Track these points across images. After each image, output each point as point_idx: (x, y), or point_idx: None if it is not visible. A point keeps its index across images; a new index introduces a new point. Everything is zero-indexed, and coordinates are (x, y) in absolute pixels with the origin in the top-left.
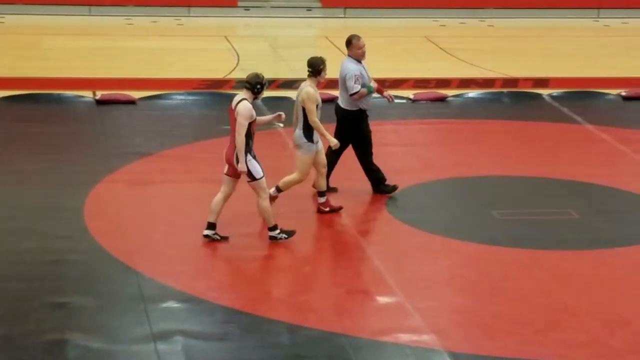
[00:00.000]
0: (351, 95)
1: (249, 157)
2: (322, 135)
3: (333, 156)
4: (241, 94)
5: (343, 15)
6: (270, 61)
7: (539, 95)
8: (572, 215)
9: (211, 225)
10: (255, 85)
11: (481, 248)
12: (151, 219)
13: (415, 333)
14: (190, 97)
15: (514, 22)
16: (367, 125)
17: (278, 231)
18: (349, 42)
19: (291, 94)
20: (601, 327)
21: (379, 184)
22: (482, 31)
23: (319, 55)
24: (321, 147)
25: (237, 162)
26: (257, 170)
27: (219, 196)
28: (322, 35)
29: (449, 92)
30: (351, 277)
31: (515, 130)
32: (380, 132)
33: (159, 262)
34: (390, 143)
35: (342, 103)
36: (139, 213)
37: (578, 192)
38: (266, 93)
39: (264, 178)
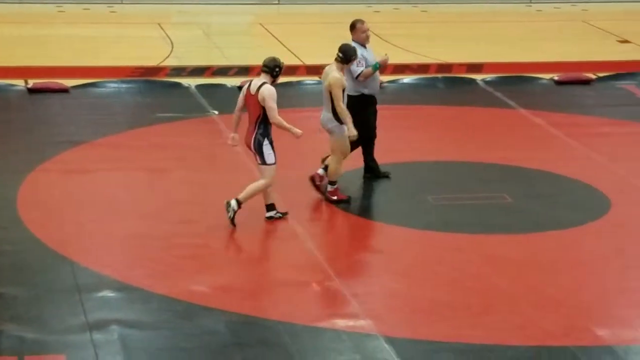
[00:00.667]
0: (356, 77)
1: (267, 141)
2: (345, 122)
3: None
4: (259, 78)
5: (277, 2)
6: (204, 48)
7: (473, 81)
8: (506, 200)
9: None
10: (273, 68)
11: (417, 233)
12: (86, 208)
13: (351, 319)
14: (124, 85)
15: (448, 8)
16: (371, 111)
17: (274, 213)
18: (352, 26)
19: (225, 81)
20: (535, 310)
21: (374, 171)
22: (416, 17)
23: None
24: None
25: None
26: (270, 155)
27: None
28: (257, 22)
29: (384, 78)
30: (288, 264)
31: (450, 116)
32: (316, 119)
33: (93, 252)
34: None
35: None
36: (73, 202)
37: (512, 176)
38: (200, 80)
39: (274, 166)
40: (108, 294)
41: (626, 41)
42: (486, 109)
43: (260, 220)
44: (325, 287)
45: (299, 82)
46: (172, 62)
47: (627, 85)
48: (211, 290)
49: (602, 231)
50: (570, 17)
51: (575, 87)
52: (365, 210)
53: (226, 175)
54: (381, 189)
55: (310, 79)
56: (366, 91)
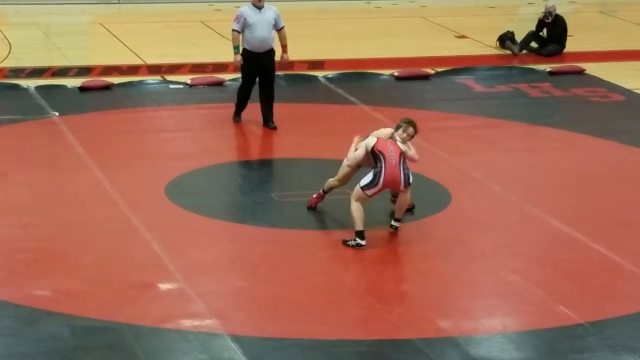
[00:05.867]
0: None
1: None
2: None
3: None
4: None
5: (117, 2)
6: (43, 49)
7: (315, 78)
8: (349, 195)
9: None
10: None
11: (261, 230)
12: None
13: (197, 318)
14: None
15: (290, 6)
16: (256, 65)
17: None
18: None
19: (66, 81)
20: (379, 304)
21: (268, 121)
22: None
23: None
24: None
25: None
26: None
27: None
28: (97, 21)
29: (226, 76)
30: (131, 265)
31: (292, 113)
32: (157, 118)
33: None
34: (168, 129)
35: None
36: None
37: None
38: (40, 81)
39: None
40: None
41: (463, 36)
42: (329, 105)
43: (101, 222)
44: (170, 288)
45: (140, 82)
46: (10, 63)
47: (464, 79)
48: (55, 294)
49: (444, 224)
50: (409, 14)
51: (414, 83)
52: (209, 209)
53: (68, 177)
54: (225, 187)
55: (151, 79)
56: (247, 46)
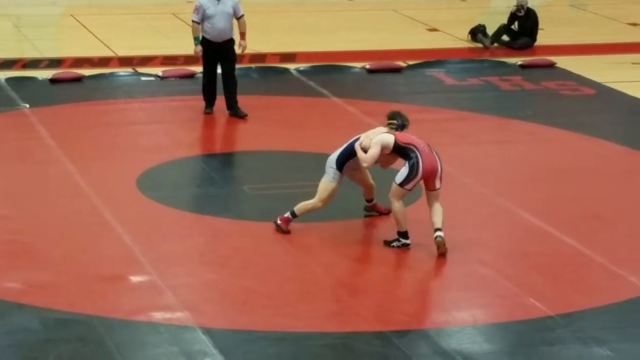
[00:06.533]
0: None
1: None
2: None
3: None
4: None
5: None
6: (14, 41)
7: (287, 70)
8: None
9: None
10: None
11: (233, 223)
12: None
13: (168, 311)
14: None
15: None
16: (215, 54)
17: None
18: None
19: (37, 73)
20: (350, 297)
21: (233, 109)
22: None
23: None
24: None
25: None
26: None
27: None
28: (68, 13)
29: (198, 69)
30: (102, 258)
31: (264, 105)
32: (128, 111)
33: None
34: (139, 121)
35: None
36: None
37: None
38: (10, 73)
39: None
40: None
41: (434, 29)
42: (300, 98)
43: (72, 214)
44: (141, 280)
45: (112, 74)
46: None
47: (436, 72)
48: (25, 287)
49: (414, 217)
50: (381, 7)
51: (386, 75)
52: (180, 202)
53: (39, 170)
54: (197, 180)
55: (123, 71)
56: (207, 36)
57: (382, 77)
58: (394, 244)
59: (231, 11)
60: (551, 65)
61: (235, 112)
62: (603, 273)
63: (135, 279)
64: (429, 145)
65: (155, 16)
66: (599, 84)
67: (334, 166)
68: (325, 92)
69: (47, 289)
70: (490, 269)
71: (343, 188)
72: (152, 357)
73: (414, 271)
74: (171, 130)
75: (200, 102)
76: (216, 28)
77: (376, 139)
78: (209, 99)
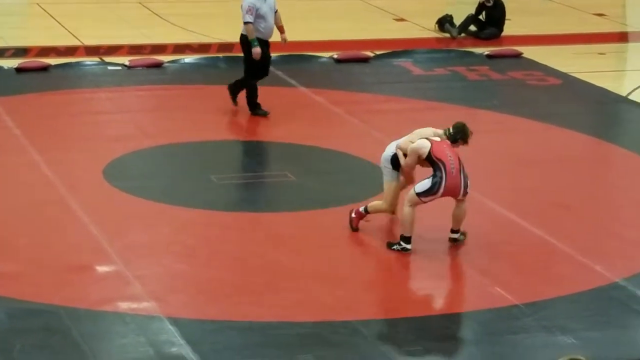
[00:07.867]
0: (245, 23)
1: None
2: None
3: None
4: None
5: None
6: None
7: None
8: (289, 178)
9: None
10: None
11: (200, 213)
12: None
13: (135, 301)
14: None
15: None
16: (263, 52)
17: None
18: None
19: (2, 62)
20: (317, 286)
21: (254, 107)
22: None
23: None
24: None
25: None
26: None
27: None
28: (34, 2)
29: (165, 58)
30: (69, 248)
31: None
32: (95, 100)
33: None
34: (106, 111)
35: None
36: None
37: (294, 154)
38: None
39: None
40: None
41: (402, 19)
42: (268, 87)
43: (38, 205)
44: (108, 270)
45: (78, 63)
46: None
47: (403, 62)
48: None
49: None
50: None
51: (354, 65)
52: (147, 191)
53: (4, 159)
54: (163, 169)
55: (89, 60)
56: (260, 35)
57: (349, 67)
58: (395, 246)
59: (275, 6)
60: (518, 56)
61: (259, 110)
62: (569, 262)
63: (101, 269)
64: (460, 163)
65: (121, 5)
66: (565, 74)
67: (389, 165)
68: (293, 81)
69: (12, 279)
70: (456, 258)
71: (309, 178)
72: (118, 347)
73: (380, 261)
74: (138, 120)
75: (167, 91)
76: (269, 26)
77: (412, 146)
78: (255, 99)
